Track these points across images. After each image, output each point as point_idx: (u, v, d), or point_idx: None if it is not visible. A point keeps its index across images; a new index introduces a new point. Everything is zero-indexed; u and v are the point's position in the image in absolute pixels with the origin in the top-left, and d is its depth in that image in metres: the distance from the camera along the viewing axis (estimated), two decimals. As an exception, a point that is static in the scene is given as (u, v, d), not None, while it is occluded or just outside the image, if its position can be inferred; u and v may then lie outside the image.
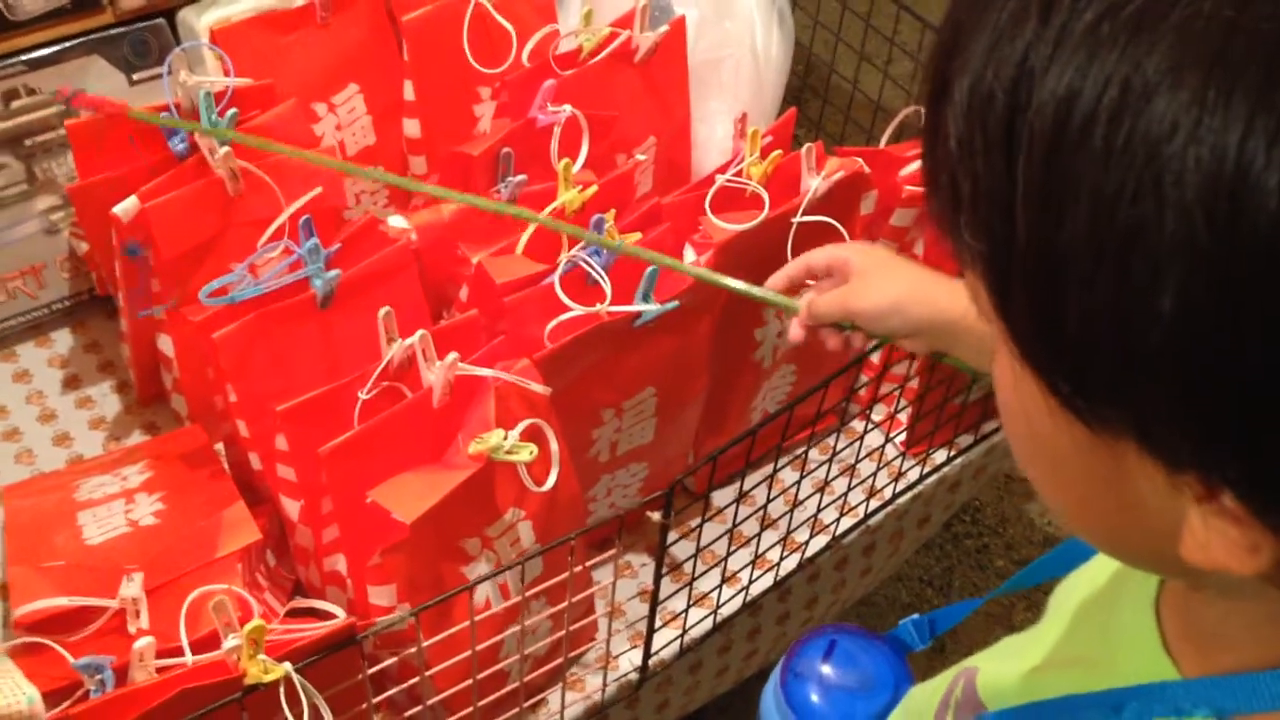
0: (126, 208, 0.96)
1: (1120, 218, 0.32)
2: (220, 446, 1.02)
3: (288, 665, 0.67)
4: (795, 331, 0.89)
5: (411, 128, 1.21)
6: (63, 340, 1.19)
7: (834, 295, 0.86)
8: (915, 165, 1.09)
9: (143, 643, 0.71)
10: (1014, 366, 0.39)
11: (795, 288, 0.90)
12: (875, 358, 1.09)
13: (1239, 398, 0.32)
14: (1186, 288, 0.32)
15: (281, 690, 0.67)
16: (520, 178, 1.03)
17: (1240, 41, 0.31)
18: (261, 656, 0.66)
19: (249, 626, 0.65)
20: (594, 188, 0.99)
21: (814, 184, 1.01)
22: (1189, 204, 0.31)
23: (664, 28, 1.17)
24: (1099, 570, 0.55)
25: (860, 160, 1.05)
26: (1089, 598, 0.55)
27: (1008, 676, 0.57)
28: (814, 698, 0.85)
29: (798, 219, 1.00)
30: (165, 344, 1.07)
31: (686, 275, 0.91)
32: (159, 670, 0.73)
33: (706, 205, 0.99)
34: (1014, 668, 0.56)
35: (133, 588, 0.80)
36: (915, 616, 0.87)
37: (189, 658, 0.72)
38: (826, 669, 0.86)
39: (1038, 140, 0.34)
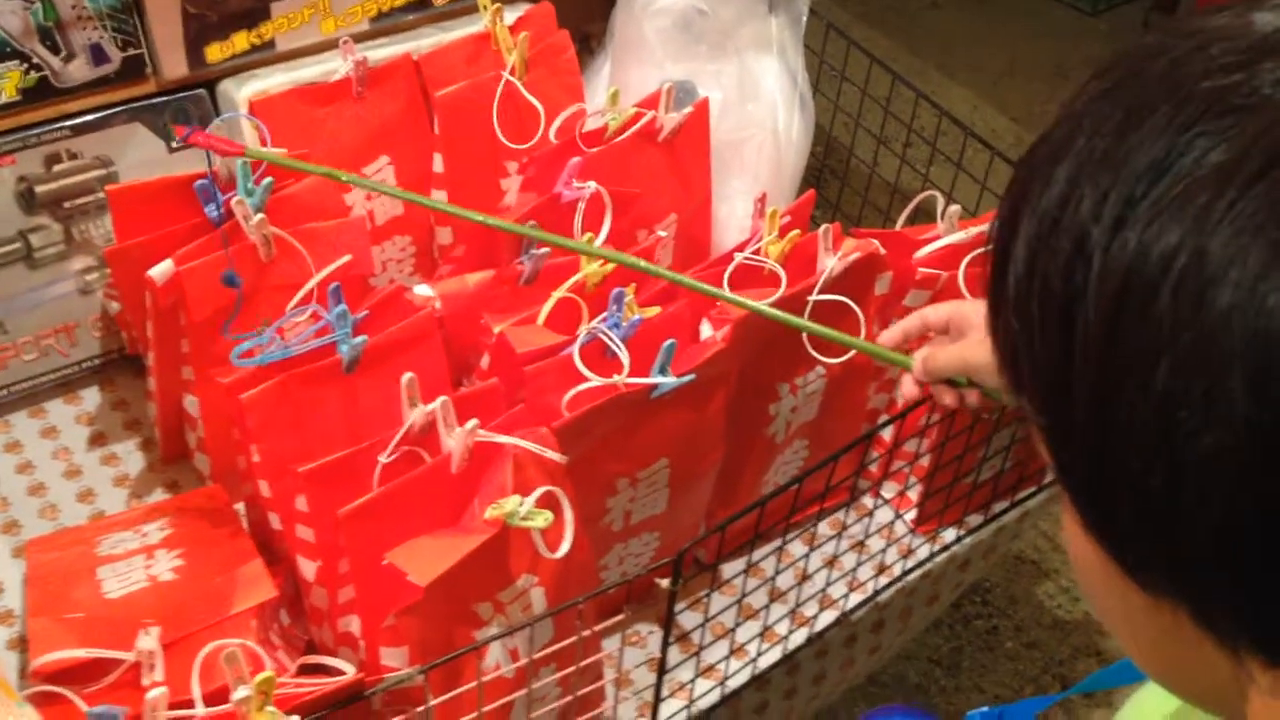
0: (162, 271, 0.99)
1: (1175, 403, 0.32)
2: (240, 506, 1.04)
3: (296, 718, 0.68)
4: (910, 388, 0.87)
5: (440, 199, 1.24)
6: (91, 398, 1.22)
7: (951, 349, 0.84)
8: (930, 248, 1.12)
9: (155, 694, 0.73)
10: (1079, 519, 0.39)
11: (911, 344, 0.88)
12: (887, 434, 1.10)
13: None
14: (1236, 491, 0.32)
15: (291, 744, 0.68)
16: (544, 250, 1.06)
17: None
18: (270, 708, 0.67)
19: (259, 678, 0.66)
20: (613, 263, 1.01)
21: (830, 264, 1.03)
22: (1241, 383, 0.31)
23: (688, 109, 1.20)
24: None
25: (876, 242, 1.07)
26: (1161, 717, 0.55)
27: None
28: None
29: (813, 297, 1.02)
30: (191, 404, 1.09)
31: (735, 312, 0.93)
32: (171, 721, 0.74)
33: (725, 282, 1.02)
34: None
35: (149, 641, 0.82)
36: (985, 709, 0.85)
37: (201, 709, 0.73)
38: None
39: (1099, 307, 0.34)
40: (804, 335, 1.03)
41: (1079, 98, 0.38)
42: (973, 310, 0.85)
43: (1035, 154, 0.38)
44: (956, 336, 0.85)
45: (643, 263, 0.98)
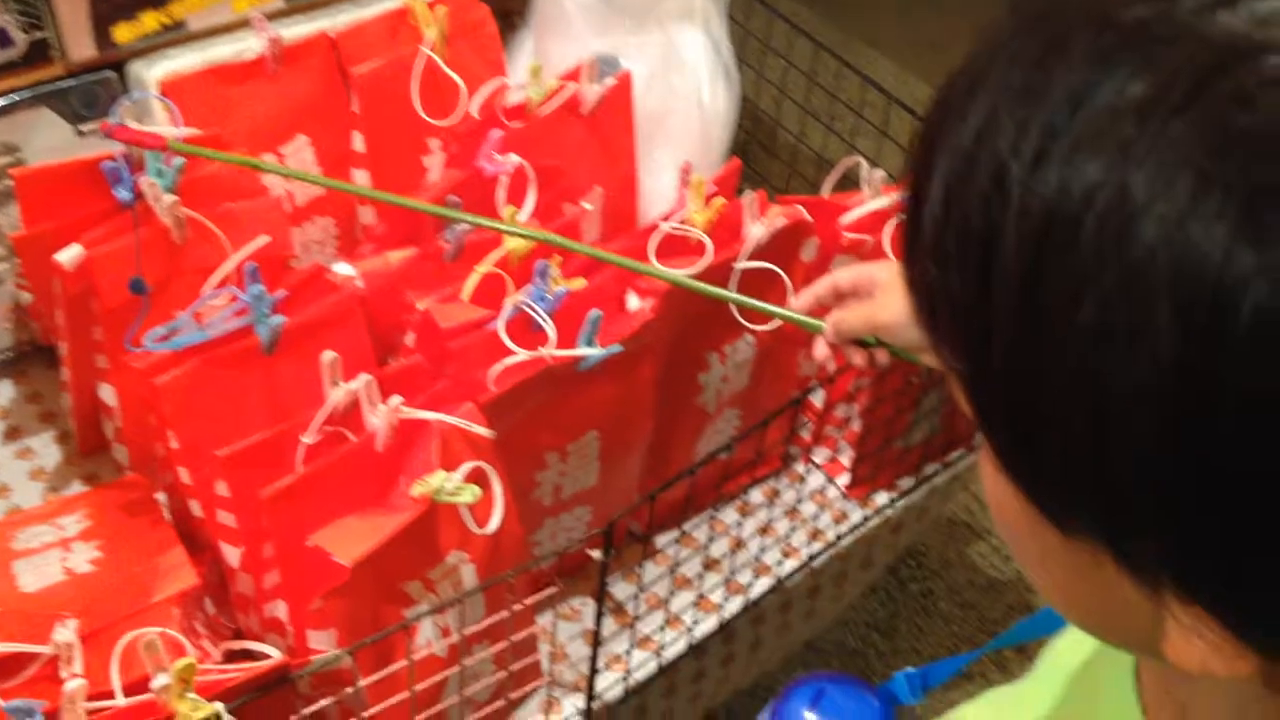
0: (70, 256, 0.97)
1: (1099, 341, 0.32)
2: (161, 495, 1.02)
3: (218, 705, 0.67)
4: (821, 350, 0.87)
5: (361, 178, 1.22)
6: (4, 391, 1.19)
7: (860, 310, 0.84)
8: (856, 213, 1.12)
9: (73, 685, 0.71)
10: (998, 464, 0.38)
11: (822, 309, 0.88)
12: (817, 401, 1.11)
13: (1216, 529, 0.32)
14: (1162, 429, 0.32)
15: (214, 730, 0.67)
16: (466, 226, 1.04)
17: (1233, 147, 0.31)
18: (191, 695, 0.66)
19: (178, 664, 0.65)
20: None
21: (756, 231, 1.03)
22: (1168, 319, 0.31)
23: (611, 81, 1.19)
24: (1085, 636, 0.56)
25: (802, 208, 1.07)
26: (1077, 662, 0.55)
27: None
28: None
29: (740, 265, 1.02)
30: (107, 393, 1.06)
31: (663, 281, 0.93)
32: (90, 714, 0.72)
33: (650, 252, 1.01)
34: None
35: (66, 634, 0.79)
36: (909, 670, 0.86)
37: (120, 699, 0.72)
38: (812, 717, 0.86)
39: (1020, 245, 0.33)
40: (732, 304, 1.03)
41: (995, 30, 0.37)
42: (880, 270, 0.85)
43: (950, 89, 0.37)
44: (865, 298, 0.85)
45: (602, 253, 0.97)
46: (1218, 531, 0.32)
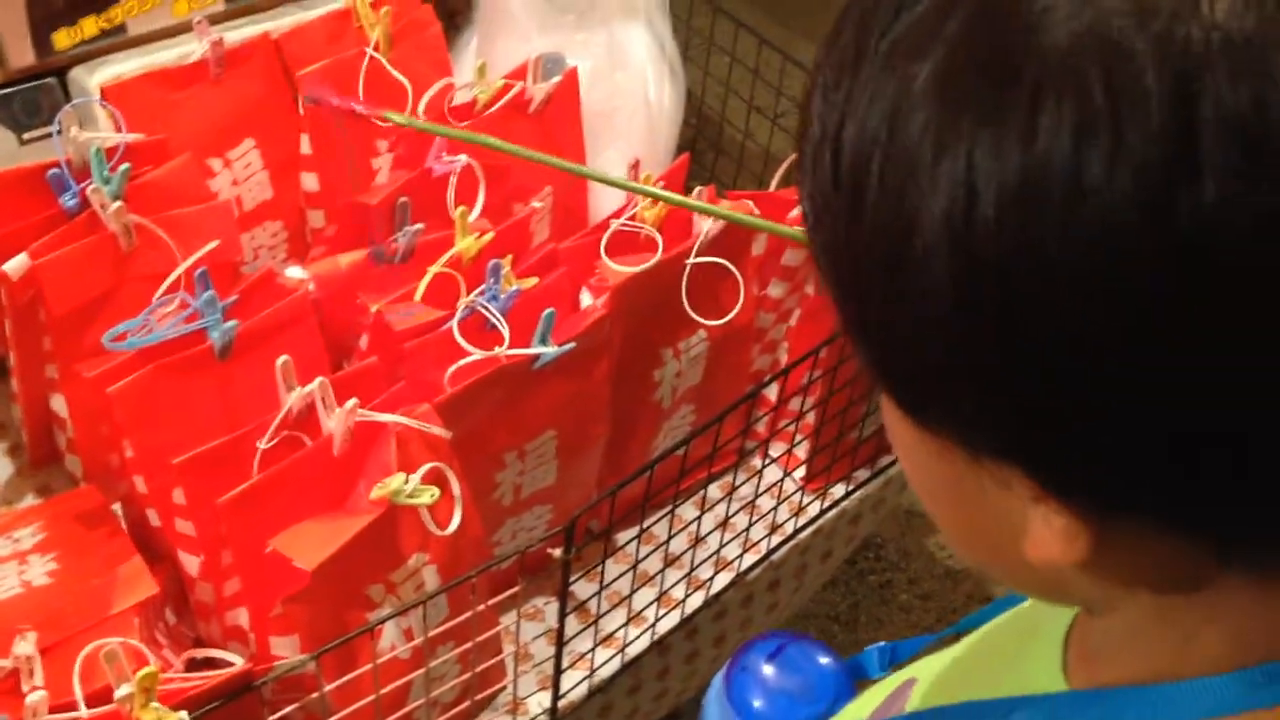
0: (16, 265, 0.95)
1: (892, 234, 0.35)
2: (118, 506, 1.00)
3: (183, 714, 0.66)
4: None
5: (309, 181, 1.21)
6: (-49, 404, 1.17)
7: None
8: (803, 208, 1.13)
9: (35, 697, 0.70)
10: (886, 398, 0.42)
11: None
12: (771, 394, 1.12)
13: (1002, 385, 0.35)
14: (956, 323, 0.35)
15: (179, 739, 0.66)
16: (418, 226, 1.04)
17: (963, 62, 0.34)
18: (155, 705, 0.65)
19: (140, 674, 0.64)
20: (490, 235, 1.00)
21: (705, 226, 1.04)
22: (939, 215, 0.34)
23: (557, 79, 1.19)
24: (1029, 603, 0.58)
25: (750, 203, 1.08)
26: (1014, 620, 0.58)
27: (933, 684, 0.59)
28: (754, 695, 0.87)
29: (691, 260, 1.03)
30: (59, 403, 1.05)
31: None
32: (53, 726, 0.72)
33: (602, 249, 1.02)
34: (941, 677, 0.59)
35: (26, 646, 0.79)
36: (880, 644, 0.88)
37: (83, 711, 0.71)
38: (769, 669, 0.88)
39: (844, 179, 0.37)
40: (683, 299, 1.03)
41: None
42: None
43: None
44: None
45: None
46: (1007, 385, 0.35)
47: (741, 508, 1.10)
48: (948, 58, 0.34)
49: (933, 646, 0.70)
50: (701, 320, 1.05)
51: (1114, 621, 0.45)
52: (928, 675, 0.61)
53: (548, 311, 0.93)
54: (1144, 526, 0.37)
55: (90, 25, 1.15)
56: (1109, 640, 0.46)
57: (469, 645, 0.87)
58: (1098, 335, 0.32)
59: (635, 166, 1.07)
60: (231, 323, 0.93)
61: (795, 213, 1.12)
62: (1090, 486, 0.36)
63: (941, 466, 0.41)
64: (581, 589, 1.04)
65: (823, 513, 1.20)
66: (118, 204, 0.97)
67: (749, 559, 1.13)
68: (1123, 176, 0.31)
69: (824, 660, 0.90)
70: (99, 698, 0.72)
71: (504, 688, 1.01)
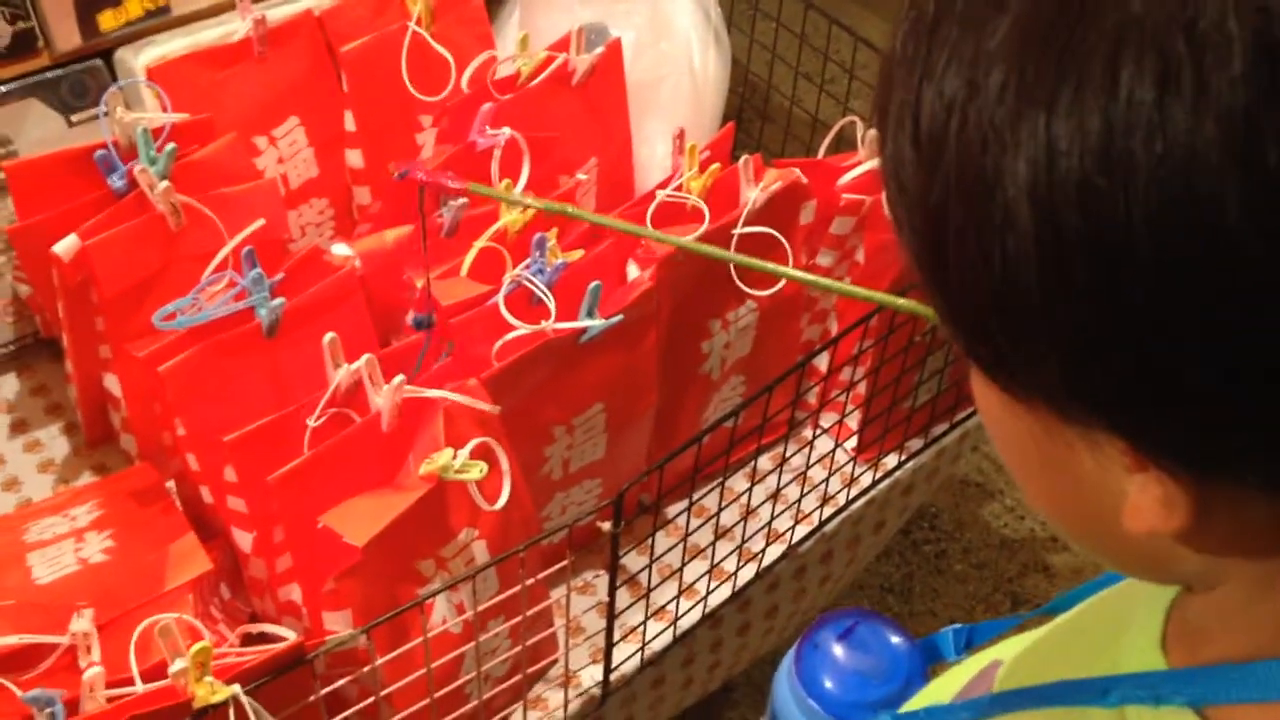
0: (67, 246, 0.96)
1: (974, 195, 0.34)
2: (171, 484, 1.01)
3: (236, 687, 0.67)
4: None
5: (354, 158, 1.21)
6: (9, 385, 1.18)
7: None
8: (854, 174, 1.11)
9: (92, 673, 0.71)
10: (976, 371, 0.41)
11: None
12: (821, 364, 1.10)
13: (1093, 346, 0.34)
14: (1044, 278, 0.34)
15: (231, 713, 0.66)
16: (462, 201, 1.04)
17: (1045, 39, 0.33)
18: (209, 679, 0.66)
19: (194, 648, 0.65)
20: (533, 210, 1.00)
21: (753, 195, 1.02)
22: (1021, 173, 0.33)
23: (600, 49, 1.18)
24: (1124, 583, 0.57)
25: (798, 171, 1.07)
26: (1107, 600, 0.57)
27: (1021, 664, 0.58)
28: (824, 674, 0.86)
29: (738, 230, 1.01)
30: (112, 383, 1.06)
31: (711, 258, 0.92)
32: (109, 700, 0.72)
33: (648, 220, 1.01)
34: (1028, 657, 0.58)
35: (83, 623, 0.80)
36: (956, 626, 0.87)
37: (139, 686, 0.72)
38: (840, 648, 0.88)
39: (924, 140, 0.36)
40: (731, 269, 1.02)
41: None
42: None
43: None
44: None
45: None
46: (1104, 349, 0.34)
47: (793, 479, 1.09)
48: (1024, 15, 0.34)
49: (1014, 630, 0.69)
50: (750, 291, 1.04)
51: (1215, 598, 0.44)
52: (1013, 656, 0.60)
53: (594, 284, 0.92)
54: (1243, 491, 0.36)
55: (135, 6, 1.16)
56: (1210, 616, 0.45)
57: (519, 619, 0.87)
58: (1188, 291, 0.32)
59: (680, 136, 1.05)
60: (279, 300, 0.93)
61: (847, 178, 1.11)
62: (1188, 449, 0.36)
63: (1033, 438, 0.40)
64: (632, 562, 1.04)
65: (875, 483, 1.19)
66: (165, 184, 0.97)
67: (801, 531, 1.12)
68: (1208, 125, 0.30)
69: (896, 640, 0.89)
70: (154, 673, 0.73)
71: (556, 661, 1.01)
